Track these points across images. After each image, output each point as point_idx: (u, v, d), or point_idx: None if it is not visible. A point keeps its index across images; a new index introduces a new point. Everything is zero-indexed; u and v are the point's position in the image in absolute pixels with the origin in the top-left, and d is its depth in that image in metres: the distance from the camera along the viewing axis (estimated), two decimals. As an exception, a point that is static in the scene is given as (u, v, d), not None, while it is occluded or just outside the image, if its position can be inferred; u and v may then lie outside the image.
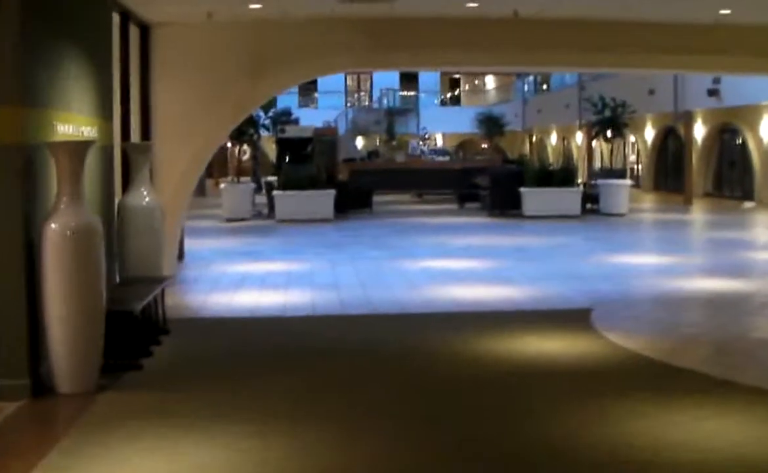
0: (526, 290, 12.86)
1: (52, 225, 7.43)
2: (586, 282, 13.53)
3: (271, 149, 40.05)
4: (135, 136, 13.29)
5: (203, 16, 13.10)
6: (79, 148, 7.76)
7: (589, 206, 26.61)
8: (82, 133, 8.98)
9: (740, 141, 32.32)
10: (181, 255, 16.67)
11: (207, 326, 10.77)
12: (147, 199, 10.20)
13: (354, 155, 42.85)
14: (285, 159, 33.36)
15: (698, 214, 27.86)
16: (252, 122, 25.93)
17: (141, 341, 8.80)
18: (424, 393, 7.66)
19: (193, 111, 13.65)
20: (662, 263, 15.92)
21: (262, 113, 26.50)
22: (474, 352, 9.11)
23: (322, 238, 20.75)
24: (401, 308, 11.60)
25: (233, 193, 26.34)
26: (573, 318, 10.68)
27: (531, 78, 53.65)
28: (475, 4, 12.77)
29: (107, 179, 10.36)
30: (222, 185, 27.65)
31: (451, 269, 15.06)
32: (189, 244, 18.92)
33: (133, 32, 13.28)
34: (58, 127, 8.16)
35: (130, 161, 10.42)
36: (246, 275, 14.65)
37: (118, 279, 9.97)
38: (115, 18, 11.99)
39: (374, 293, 12.71)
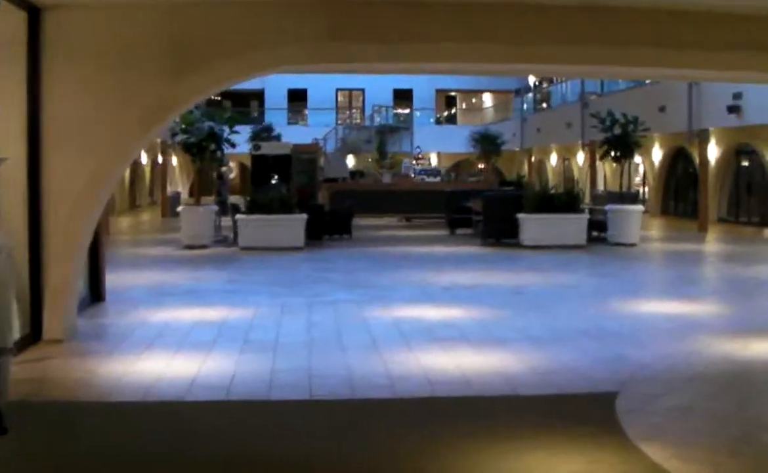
0: (524, 357, 9.63)
1: None
2: (603, 344, 10.36)
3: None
4: (16, 146, 10.12)
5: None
6: None
7: (595, 233, 23.47)
8: None
9: (759, 163, 29.27)
10: (98, 296, 13.55)
11: (70, 417, 7.55)
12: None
13: (344, 174, 39.74)
14: (260, 178, 30.23)
15: (717, 244, 24.74)
16: (213, 137, 22.75)
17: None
18: None
19: (93, 116, 10.48)
20: (696, 314, 12.70)
21: (226, 127, 23.31)
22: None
23: (285, 272, 17.56)
24: (350, 389, 8.36)
25: (193, 216, 23.16)
26: (592, 412, 7.50)
27: (530, 95, 50.68)
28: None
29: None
30: (180, 208, 24.46)
31: (430, 321, 11.85)
32: (123, 279, 16.02)
33: (17, 17, 10.15)
34: None
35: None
36: (167, 327, 11.49)
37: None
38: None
39: (321, 361, 9.50)
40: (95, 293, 13.64)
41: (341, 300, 13.75)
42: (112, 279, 15.41)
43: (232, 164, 57.11)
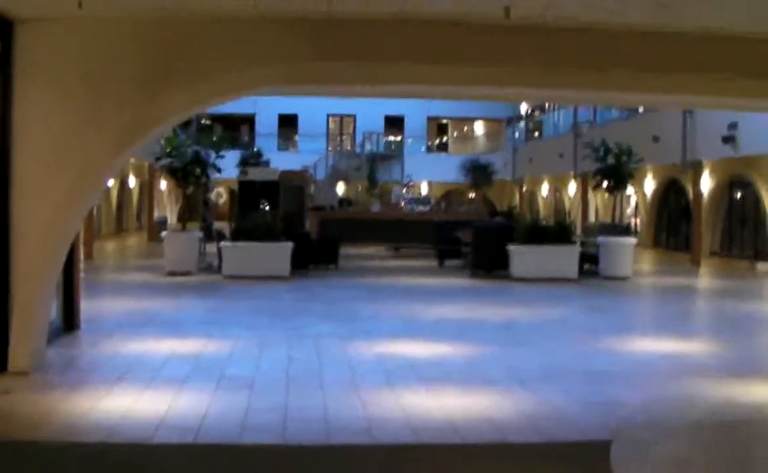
0: (513, 399, 9.10)
1: None
2: (596, 386, 9.85)
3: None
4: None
5: (79, 10, 9.45)
6: None
7: (586, 266, 22.99)
8: None
9: (753, 195, 28.88)
10: (72, 324, 13.02)
11: (22, 458, 7.00)
12: None
13: (332, 202, 39.24)
14: (247, 205, 29.75)
15: (710, 278, 24.30)
16: (199, 161, 22.27)
17: None
18: None
19: (65, 135, 9.98)
20: (692, 354, 12.21)
21: (212, 152, 22.84)
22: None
23: (268, 303, 17.04)
24: (325, 433, 7.81)
25: (176, 242, 22.62)
26: (585, 462, 6.99)
27: (522, 124, 50.35)
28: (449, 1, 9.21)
29: None
30: (164, 233, 23.93)
31: (415, 358, 11.32)
32: (101, 306, 15.56)
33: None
34: None
35: None
36: (140, 359, 10.96)
37: None
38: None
39: (298, 400, 8.96)
40: (69, 321, 13.11)
41: (323, 334, 13.23)
42: (89, 306, 14.92)
43: (221, 190, 56.77)
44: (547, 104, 45.23)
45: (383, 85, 11.03)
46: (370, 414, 8.36)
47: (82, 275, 21.57)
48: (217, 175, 23.88)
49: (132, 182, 43.49)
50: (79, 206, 10.37)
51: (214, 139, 25.25)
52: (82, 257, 25.95)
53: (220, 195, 58.29)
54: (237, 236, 21.89)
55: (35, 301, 10.12)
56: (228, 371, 10.36)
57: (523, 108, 48.90)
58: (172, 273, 21.67)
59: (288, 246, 21.49)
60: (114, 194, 40.69)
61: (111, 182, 39.00)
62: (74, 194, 10.13)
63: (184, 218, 24.20)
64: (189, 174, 22.37)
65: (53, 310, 12.56)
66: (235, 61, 10.12)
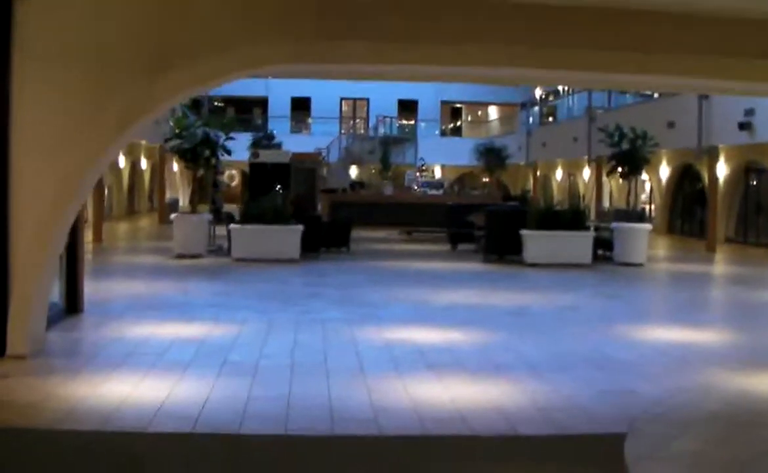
0: (525, 389, 8.82)
1: None
2: (610, 375, 9.58)
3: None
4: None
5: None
6: None
7: (600, 252, 22.65)
8: None
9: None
10: (75, 308, 12.79)
11: (15, 446, 6.76)
12: None
13: (344, 184, 38.95)
14: (258, 187, 29.48)
15: (726, 265, 23.94)
16: (208, 143, 21.99)
17: None
18: None
19: (65, 117, 9.73)
20: (709, 343, 11.90)
21: (221, 133, 22.56)
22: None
23: (276, 286, 16.78)
24: (330, 422, 7.55)
25: (186, 225, 22.36)
26: (599, 456, 6.71)
27: (536, 108, 49.94)
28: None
29: None
30: (173, 215, 23.69)
31: (424, 344, 11.03)
32: (107, 288, 15.36)
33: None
34: None
35: None
36: (143, 343, 10.72)
37: None
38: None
39: (302, 388, 8.69)
40: (72, 304, 12.87)
41: (332, 318, 12.97)
42: (95, 288, 14.73)
43: (234, 172, 56.56)
44: (561, 89, 44.80)
45: (389, 66, 10.69)
46: (376, 403, 8.09)
47: (89, 256, 21.46)
48: (227, 157, 23.58)
49: (144, 163, 43.29)
50: (78, 189, 10.10)
51: (224, 120, 24.83)
52: (91, 238, 25.90)
53: (232, 177, 58.11)
54: (246, 218, 21.63)
55: (33, 284, 9.87)
56: (232, 356, 10.10)
57: (538, 92, 48.49)
58: (181, 256, 21.45)
59: (298, 229, 21.22)
60: (125, 175, 40.50)
61: (122, 164, 38.83)
62: (73, 177, 9.87)
63: (194, 200, 23.93)
64: (198, 156, 22.09)
65: (56, 293, 12.37)
66: (237, 40, 9.84)
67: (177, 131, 22.12)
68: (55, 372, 9.13)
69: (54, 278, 11.18)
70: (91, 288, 14.21)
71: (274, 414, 7.71)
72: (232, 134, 23.60)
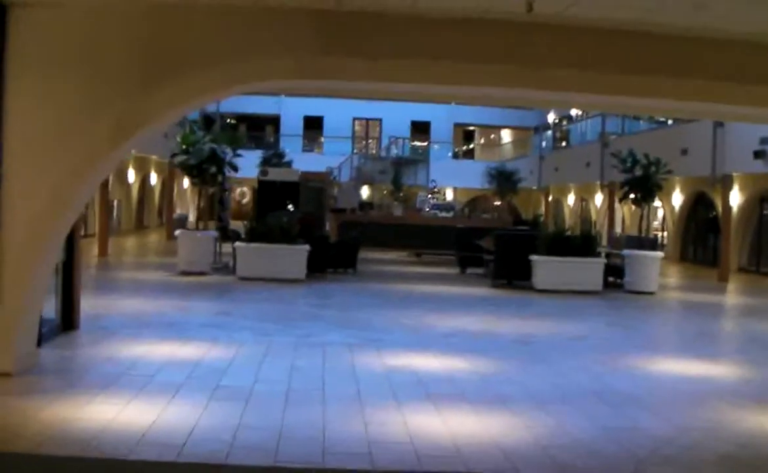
0: (528, 423, 8.44)
1: None
2: (617, 410, 9.19)
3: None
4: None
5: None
6: None
7: (611, 279, 22.26)
8: None
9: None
10: (71, 324, 12.48)
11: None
12: None
13: (354, 204, 38.64)
14: (266, 205, 29.21)
15: (739, 296, 23.50)
16: (215, 159, 21.71)
17: None
18: None
19: (56, 127, 9.43)
20: (722, 378, 11.48)
21: (228, 149, 22.26)
22: None
23: (279, 307, 16.44)
24: (319, 456, 7.12)
25: (191, 242, 22.08)
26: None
27: (549, 133, 49.60)
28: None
29: None
30: (178, 232, 23.40)
31: (426, 373, 10.67)
32: (106, 304, 15.10)
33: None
34: None
35: None
36: (136, 363, 10.39)
37: None
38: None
39: (296, 416, 8.33)
40: (67, 320, 12.57)
41: (333, 342, 12.61)
42: (94, 304, 14.48)
43: (245, 189, 56.39)
44: (574, 114, 44.47)
45: (392, 83, 10.36)
46: (372, 435, 7.73)
47: (92, 271, 21.19)
48: (233, 174, 23.29)
49: (154, 178, 43.12)
50: (69, 204, 9.79)
51: (231, 136, 24.55)
52: (96, 253, 25.64)
53: (243, 195, 57.97)
54: (252, 236, 21.33)
55: (22, 299, 9.56)
56: (226, 380, 9.76)
57: (551, 117, 48.17)
58: (185, 273, 21.17)
59: (304, 249, 20.91)
60: (135, 190, 40.32)
61: (132, 178, 38.63)
62: (64, 192, 9.57)
63: (203, 216, 23.67)
64: (204, 172, 21.80)
65: (52, 309, 12.09)
66: (236, 53, 9.54)
67: (184, 146, 21.84)
68: (40, 392, 8.79)
69: (46, 294, 10.86)
70: (89, 304, 13.94)
71: (263, 444, 7.35)
72: (241, 151, 23.35)
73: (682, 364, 12.28)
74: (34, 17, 9.40)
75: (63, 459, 6.74)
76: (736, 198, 29.24)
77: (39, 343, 10.54)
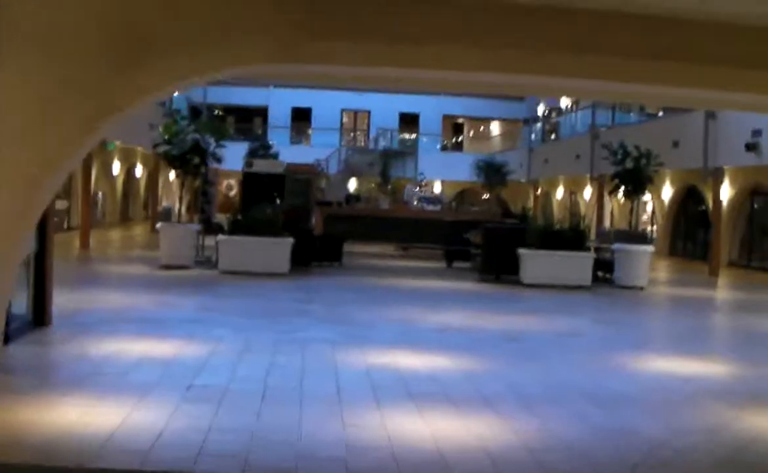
0: (515, 425, 8.03)
1: None
2: (609, 411, 8.80)
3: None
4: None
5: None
6: None
7: (600, 274, 21.88)
8: None
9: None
10: (43, 320, 12.03)
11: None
12: None
13: (339, 197, 38.15)
14: (251, 198, 28.71)
15: (730, 291, 23.18)
16: (198, 150, 21.25)
17: None
18: None
19: (30, 113, 8.92)
20: (716, 376, 11.11)
21: (211, 140, 21.79)
22: None
23: (261, 302, 16.01)
24: (292, 461, 6.68)
25: (172, 235, 21.58)
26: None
27: (539, 125, 49.21)
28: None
29: None
30: (159, 225, 22.94)
31: (409, 371, 10.26)
32: (82, 299, 14.66)
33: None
34: None
35: None
36: (107, 362, 9.96)
37: None
38: None
39: (271, 418, 7.91)
40: (39, 316, 12.11)
41: (314, 339, 12.20)
42: (69, 299, 14.05)
43: (232, 182, 55.85)
44: (564, 106, 44.08)
45: (383, 67, 9.92)
46: (349, 439, 7.31)
47: (72, 264, 20.72)
48: (217, 165, 22.84)
49: (139, 170, 42.59)
50: (37, 197, 9.24)
51: (215, 126, 24.06)
52: (77, 245, 25.17)
53: (230, 187, 57.46)
54: (235, 229, 20.88)
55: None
56: (200, 379, 9.34)
57: (541, 109, 47.78)
58: (167, 267, 20.70)
59: (288, 242, 20.48)
60: (120, 182, 39.77)
61: (117, 170, 38.11)
62: (30, 184, 8.95)
63: (187, 209, 23.20)
64: (188, 163, 21.34)
65: (23, 305, 11.63)
66: (218, 36, 9.01)
67: (166, 136, 21.37)
68: (3, 392, 8.36)
69: (13, 288, 10.40)
70: (64, 299, 13.51)
71: (234, 449, 6.92)
72: (229, 143, 22.91)
73: (675, 362, 11.91)
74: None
75: (20, 467, 6.31)
76: (726, 192, 28.89)
77: (6, 340, 10.10)
